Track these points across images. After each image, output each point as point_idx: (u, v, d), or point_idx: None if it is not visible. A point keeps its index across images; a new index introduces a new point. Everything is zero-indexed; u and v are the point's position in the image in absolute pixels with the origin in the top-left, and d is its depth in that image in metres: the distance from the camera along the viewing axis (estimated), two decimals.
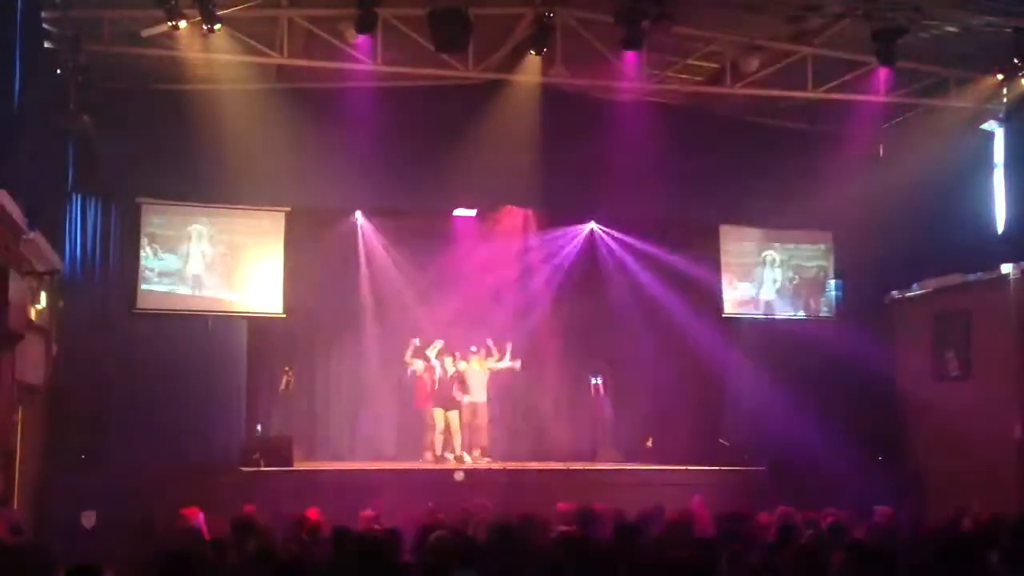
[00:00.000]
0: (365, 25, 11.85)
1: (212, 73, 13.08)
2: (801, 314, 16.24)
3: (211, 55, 12.42)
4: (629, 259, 16.42)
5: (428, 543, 6.75)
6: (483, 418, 15.26)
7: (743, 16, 12.90)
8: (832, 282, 16.35)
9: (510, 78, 13.63)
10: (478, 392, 15.23)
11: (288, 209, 14.59)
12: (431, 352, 15.10)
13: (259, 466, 13.36)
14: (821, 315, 16.28)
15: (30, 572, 5.46)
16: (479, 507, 9.70)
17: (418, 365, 15.14)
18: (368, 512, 9.48)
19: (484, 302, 16.28)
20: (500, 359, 15.37)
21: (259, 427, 15.09)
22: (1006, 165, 14.51)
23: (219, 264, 14.44)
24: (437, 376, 15.06)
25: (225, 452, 13.70)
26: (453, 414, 15.03)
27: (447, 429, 15.00)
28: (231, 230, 14.54)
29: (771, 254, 16.29)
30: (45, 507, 12.06)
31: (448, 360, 15.18)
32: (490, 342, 15.39)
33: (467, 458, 14.96)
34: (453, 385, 15.07)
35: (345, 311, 16.04)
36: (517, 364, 15.44)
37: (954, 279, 14.86)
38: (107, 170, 13.36)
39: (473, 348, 15.38)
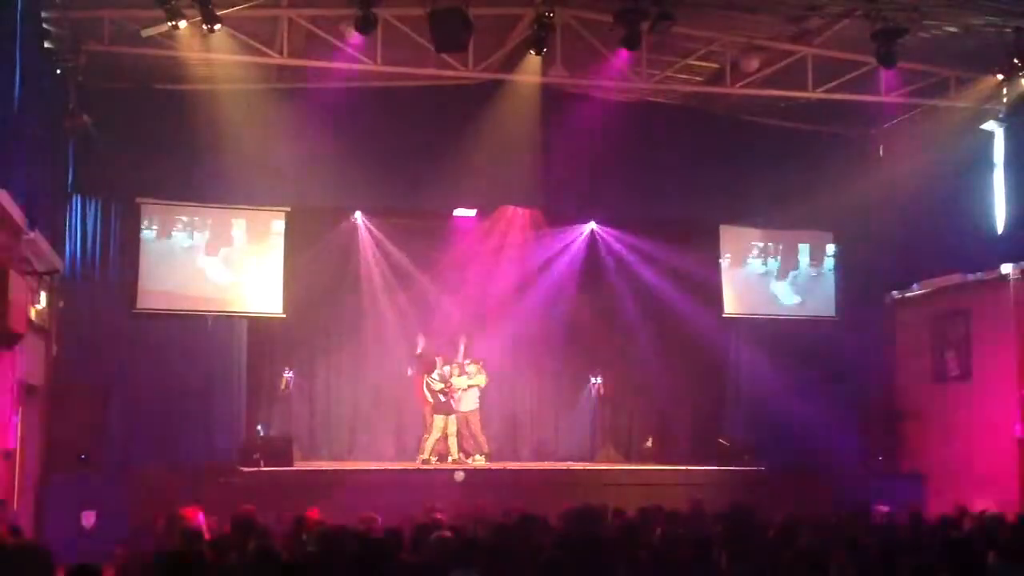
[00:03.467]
0: (365, 25, 11.84)
1: (212, 73, 13.08)
2: (801, 314, 16.24)
3: (211, 55, 12.42)
4: (629, 259, 16.41)
5: (428, 543, 6.75)
6: (476, 426, 15.29)
7: (743, 16, 12.89)
8: (832, 282, 16.34)
9: (510, 78, 13.62)
10: (468, 402, 15.25)
11: (288, 209, 14.59)
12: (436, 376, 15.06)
13: (259, 466, 13.35)
14: (821, 315, 16.27)
15: (30, 572, 5.46)
16: (479, 507, 9.71)
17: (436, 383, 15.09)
18: (368, 512, 9.49)
19: (484, 302, 16.28)
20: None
21: (259, 427, 15.09)
22: (1006, 165, 14.51)
23: (219, 264, 14.43)
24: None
25: (225, 452, 13.72)
26: (451, 419, 15.06)
27: (444, 434, 15.03)
28: (231, 230, 14.54)
29: (771, 254, 16.28)
30: (45, 507, 12.06)
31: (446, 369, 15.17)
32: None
33: (479, 459, 15.00)
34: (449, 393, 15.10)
35: (345, 311, 16.03)
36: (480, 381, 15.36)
37: (954, 279, 14.86)
38: (107, 170, 13.36)
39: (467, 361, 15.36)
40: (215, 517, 9.38)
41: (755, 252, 16.25)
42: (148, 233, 14.12)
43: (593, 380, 16.75)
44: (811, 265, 16.38)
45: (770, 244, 16.28)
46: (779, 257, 16.30)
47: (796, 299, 16.28)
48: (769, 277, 16.21)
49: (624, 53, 12.80)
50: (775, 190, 15.25)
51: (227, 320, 14.39)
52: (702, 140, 15.03)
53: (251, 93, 13.40)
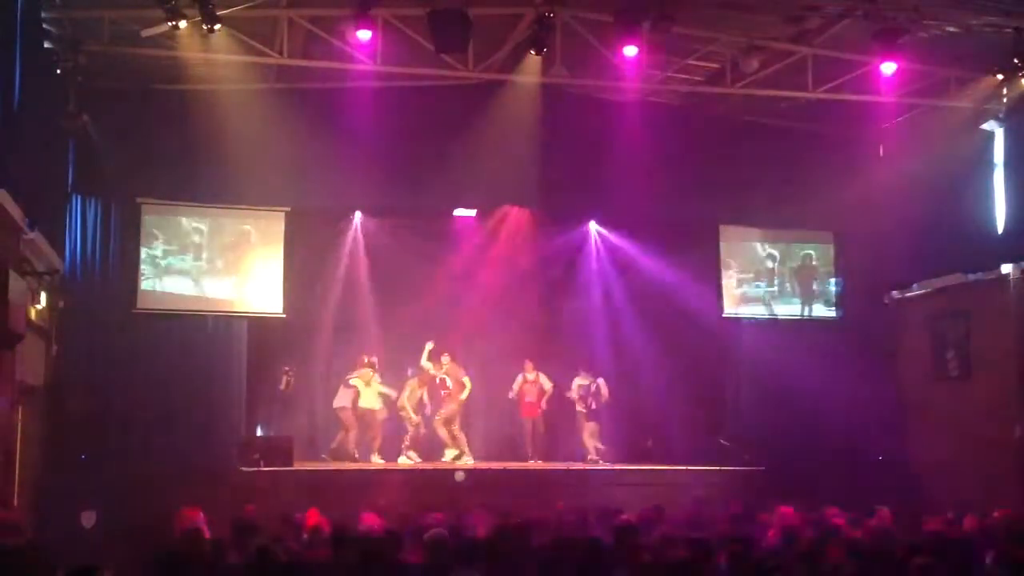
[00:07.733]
0: (364, 25, 11.84)
1: (212, 73, 13.09)
2: (801, 314, 16.23)
3: (211, 55, 12.42)
4: (629, 259, 16.42)
5: (427, 543, 6.76)
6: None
7: (743, 16, 12.89)
8: (832, 282, 16.35)
9: (510, 78, 13.62)
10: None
11: (288, 209, 14.60)
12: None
13: (259, 466, 13.35)
14: (821, 315, 16.27)
15: (30, 572, 5.46)
16: (479, 507, 9.71)
17: (518, 380, 15.75)
18: (369, 513, 9.49)
19: (484, 302, 16.26)
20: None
21: (259, 427, 15.07)
22: (1006, 165, 14.50)
23: (219, 264, 14.44)
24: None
25: (225, 452, 13.70)
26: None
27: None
28: (231, 230, 14.55)
29: (771, 254, 16.29)
30: (45, 507, 12.05)
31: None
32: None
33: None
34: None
35: (345, 311, 16.02)
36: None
37: (954, 279, 14.85)
38: (107, 170, 13.37)
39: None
40: (215, 517, 9.37)
41: (755, 252, 16.25)
42: (148, 233, 14.12)
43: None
44: (811, 265, 16.38)
45: (770, 244, 16.28)
46: (779, 257, 16.30)
47: (796, 299, 16.28)
48: (769, 277, 16.20)
49: (624, 53, 12.81)
50: (775, 190, 15.25)
51: (227, 320, 14.39)
52: (702, 140, 15.03)
53: (251, 93, 13.39)
